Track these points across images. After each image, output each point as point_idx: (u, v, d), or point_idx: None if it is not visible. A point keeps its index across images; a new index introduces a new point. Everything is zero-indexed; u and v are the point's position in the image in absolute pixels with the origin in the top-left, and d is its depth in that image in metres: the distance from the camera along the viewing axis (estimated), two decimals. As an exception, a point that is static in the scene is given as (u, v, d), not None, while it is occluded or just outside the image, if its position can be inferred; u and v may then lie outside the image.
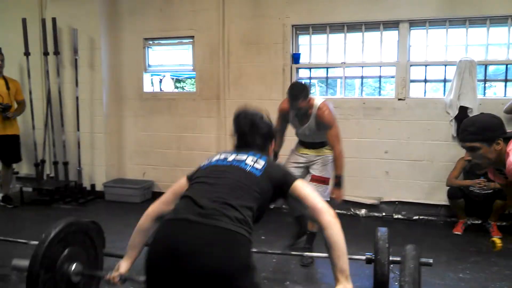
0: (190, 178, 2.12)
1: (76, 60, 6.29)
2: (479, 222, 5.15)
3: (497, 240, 2.71)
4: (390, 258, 3.35)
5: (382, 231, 3.41)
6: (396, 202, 5.62)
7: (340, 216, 5.99)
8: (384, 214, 5.65)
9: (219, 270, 1.63)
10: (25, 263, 2.10)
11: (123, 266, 2.19)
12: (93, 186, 6.55)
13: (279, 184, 1.99)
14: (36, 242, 3.90)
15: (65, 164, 6.45)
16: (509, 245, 4.42)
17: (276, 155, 4.29)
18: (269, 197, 1.97)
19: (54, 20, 6.21)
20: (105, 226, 3.90)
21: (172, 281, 1.70)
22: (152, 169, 6.65)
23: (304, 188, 1.99)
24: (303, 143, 4.33)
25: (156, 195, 6.51)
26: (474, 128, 2.30)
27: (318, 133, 4.12)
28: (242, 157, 2.03)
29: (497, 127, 2.30)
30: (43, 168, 6.56)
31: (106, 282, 2.23)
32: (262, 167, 1.99)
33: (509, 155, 2.23)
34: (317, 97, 4.25)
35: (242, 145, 2.16)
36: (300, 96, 3.91)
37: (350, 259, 3.58)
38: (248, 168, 1.96)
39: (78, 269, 2.23)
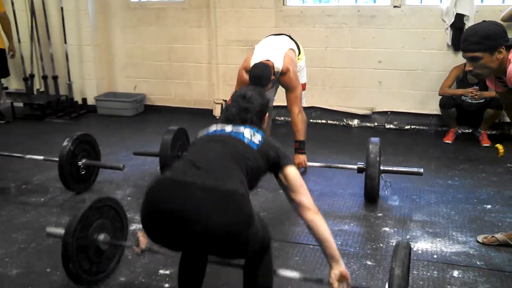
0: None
1: (62, 8, 5.99)
2: (470, 131, 5.23)
3: (500, 146, 2.74)
4: (381, 168, 3.46)
5: (374, 142, 3.48)
6: (388, 112, 5.65)
7: (333, 126, 6.14)
8: (376, 124, 5.69)
9: (225, 230, 1.70)
10: (60, 231, 2.31)
11: (143, 241, 2.19)
12: (84, 100, 6.49)
13: (272, 163, 2.03)
14: (31, 156, 3.97)
15: (55, 78, 6.35)
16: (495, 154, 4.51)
17: None
18: (262, 171, 2.02)
19: None
20: (99, 140, 3.97)
21: (176, 240, 1.78)
22: (143, 82, 6.57)
23: (295, 177, 2.02)
24: None
25: (148, 108, 6.52)
26: (476, 38, 2.25)
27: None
28: (240, 129, 2.04)
29: (500, 35, 2.25)
30: (33, 82, 6.46)
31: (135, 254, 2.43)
32: (260, 142, 2.01)
33: (511, 62, 2.20)
34: (277, 54, 3.66)
35: (236, 119, 2.12)
36: (266, 81, 3.44)
37: (343, 168, 3.79)
38: (246, 141, 1.98)
39: (106, 239, 2.44)
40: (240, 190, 1.77)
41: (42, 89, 6.49)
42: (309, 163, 3.79)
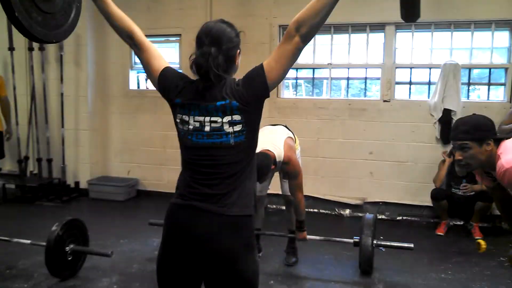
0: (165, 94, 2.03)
1: (61, 56, 6.23)
2: (462, 223, 5.23)
3: (481, 241, 2.75)
4: (374, 241, 3.76)
5: (368, 218, 3.89)
6: (380, 203, 5.67)
7: (325, 216, 6.11)
8: (368, 214, 5.68)
9: (227, 251, 1.83)
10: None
11: None
12: (77, 183, 6.50)
13: (260, 97, 1.88)
14: (18, 240, 3.90)
15: (49, 161, 6.39)
16: (490, 246, 4.48)
17: None
18: (259, 116, 1.91)
19: (39, 15, 6.14)
20: (88, 225, 3.93)
21: (187, 259, 1.87)
22: (137, 167, 6.62)
23: (271, 58, 1.91)
24: None
25: (141, 193, 6.51)
26: (466, 127, 2.32)
27: None
28: (217, 120, 1.83)
29: (489, 128, 2.33)
30: (27, 164, 6.49)
31: None
32: (240, 120, 1.82)
33: (500, 158, 2.25)
34: (276, 144, 3.74)
35: (207, 71, 1.87)
36: (266, 172, 3.54)
37: (340, 241, 4.01)
38: (231, 141, 1.84)
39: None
40: (244, 213, 1.87)
41: (36, 172, 6.50)
42: (309, 236, 3.99)
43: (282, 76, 1.91)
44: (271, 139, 3.77)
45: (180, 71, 2.06)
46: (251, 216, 1.92)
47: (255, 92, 1.86)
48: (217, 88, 1.87)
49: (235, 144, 1.85)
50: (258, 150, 3.64)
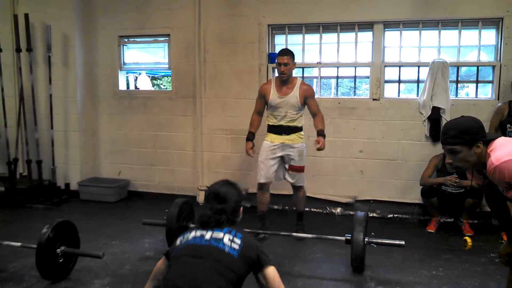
0: (168, 255, 2.36)
1: (49, 57, 6.18)
2: (452, 220, 5.27)
3: (468, 239, 2.77)
4: (365, 239, 3.79)
5: (359, 215, 3.90)
6: (371, 201, 5.70)
7: (316, 214, 6.15)
8: (359, 212, 5.71)
9: None
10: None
11: None
12: (67, 185, 6.46)
13: (253, 265, 2.21)
14: (8, 243, 3.87)
15: (39, 162, 6.35)
16: (480, 243, 4.53)
17: (253, 135, 4.77)
18: (244, 275, 2.19)
19: (26, 16, 6.10)
20: (79, 226, 3.91)
21: None
22: (127, 168, 6.59)
23: (273, 278, 2.22)
24: (278, 129, 4.67)
25: (132, 194, 6.49)
26: (454, 132, 2.34)
27: (295, 110, 4.63)
28: (219, 235, 2.20)
29: (477, 131, 2.35)
30: (16, 167, 6.43)
31: None
32: (239, 247, 2.17)
33: (490, 156, 2.28)
34: None
35: (212, 221, 2.29)
36: (289, 54, 4.61)
37: (332, 239, 4.05)
38: (226, 249, 2.13)
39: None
40: None
41: (26, 174, 6.45)
42: (302, 234, 4.32)
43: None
44: None
45: None
46: None
47: (254, 260, 2.23)
48: (225, 224, 2.30)
49: (229, 252, 2.15)
50: None
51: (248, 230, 4.18)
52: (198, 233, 2.23)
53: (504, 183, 2.25)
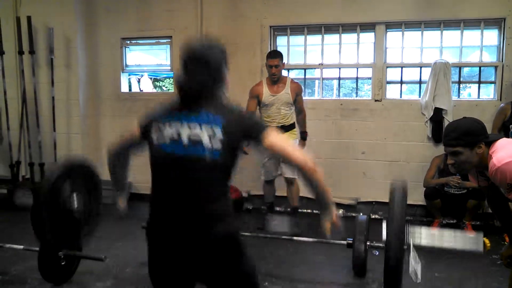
0: (142, 132, 2.04)
1: (52, 59, 6.20)
2: (454, 221, 5.25)
3: (486, 240, 2.77)
4: (367, 243, 3.76)
5: (361, 219, 3.89)
6: (373, 202, 5.68)
7: (318, 216, 6.06)
8: (361, 214, 5.69)
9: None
10: (28, 200, 2.35)
11: (122, 202, 2.44)
12: (69, 187, 6.46)
13: (246, 141, 1.87)
14: (10, 245, 3.88)
15: (41, 165, 6.36)
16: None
17: None
18: (237, 153, 1.88)
19: (29, 18, 6.11)
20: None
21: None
22: (130, 170, 6.58)
23: (281, 144, 1.87)
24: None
25: (134, 196, 6.46)
26: (456, 133, 2.33)
27: (288, 107, 4.93)
28: (196, 131, 1.80)
29: (479, 132, 2.34)
30: (19, 169, 6.45)
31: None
32: (221, 143, 1.78)
33: (492, 157, 2.27)
34: None
35: (189, 100, 1.89)
36: (279, 56, 4.91)
37: (333, 243, 3.96)
38: (207, 154, 1.77)
39: (79, 206, 2.44)
40: (229, 232, 1.86)
41: (28, 176, 6.47)
42: (302, 238, 4.23)
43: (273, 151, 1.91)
44: None
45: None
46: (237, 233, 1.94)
47: (246, 129, 1.86)
48: (204, 103, 1.86)
49: (211, 159, 1.80)
50: None
51: (246, 233, 4.19)
52: (173, 130, 1.83)
53: (506, 184, 2.25)
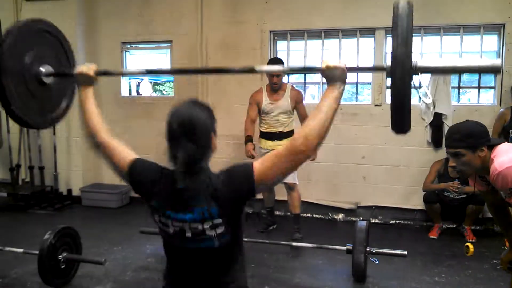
0: (131, 167, 1.85)
1: (52, 63, 6.20)
2: (454, 226, 5.25)
3: (470, 245, 2.77)
4: (367, 249, 3.74)
5: (361, 225, 3.82)
6: (373, 207, 5.69)
7: (318, 220, 6.10)
8: (361, 218, 5.70)
9: None
10: None
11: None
12: (69, 191, 6.47)
13: (241, 201, 1.72)
14: (10, 249, 3.88)
15: (41, 168, 6.36)
16: (482, 249, 4.52)
17: (251, 138, 4.91)
18: (239, 221, 1.77)
19: (30, 23, 6.12)
20: (81, 232, 3.91)
21: None
22: (129, 174, 6.58)
23: (264, 167, 1.68)
24: (270, 135, 4.93)
25: (134, 200, 6.48)
26: (459, 135, 2.33)
27: (286, 115, 4.89)
28: (197, 225, 1.68)
29: (482, 135, 2.34)
30: (19, 172, 6.45)
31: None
32: (221, 224, 1.68)
33: (493, 161, 2.27)
34: None
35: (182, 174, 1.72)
36: (281, 63, 4.83)
37: (333, 249, 4.01)
38: (215, 244, 1.70)
39: (48, 70, 2.12)
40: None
41: (28, 179, 6.46)
42: (302, 244, 4.28)
43: (277, 181, 1.72)
44: None
45: (153, 162, 1.88)
46: None
47: (239, 195, 1.69)
48: (195, 188, 1.68)
49: (220, 246, 1.71)
50: None
51: (246, 239, 4.19)
52: (173, 221, 1.71)
53: (507, 189, 2.25)
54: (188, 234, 1.71)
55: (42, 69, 2.08)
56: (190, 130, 1.69)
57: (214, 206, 1.66)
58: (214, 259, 1.76)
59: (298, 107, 4.93)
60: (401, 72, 1.64)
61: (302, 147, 1.64)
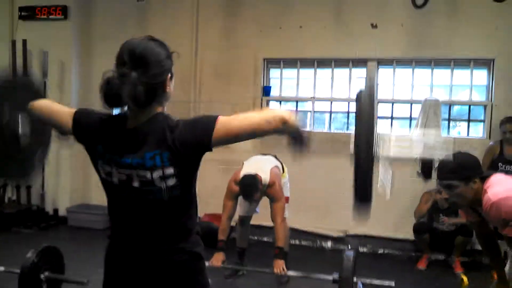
0: (78, 135, 1.73)
1: (45, 82, 6.20)
2: (443, 258, 5.22)
3: (464, 277, 2.76)
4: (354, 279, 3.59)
5: (349, 254, 3.66)
6: (362, 236, 5.65)
7: (306, 248, 6.02)
8: (350, 247, 5.66)
9: None
10: None
11: None
12: (56, 210, 6.39)
13: (199, 149, 1.59)
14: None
15: (28, 187, 6.28)
16: (470, 282, 4.47)
17: (226, 245, 4.14)
18: (193, 178, 1.67)
19: (24, 42, 6.14)
20: (66, 252, 3.83)
21: None
22: (118, 196, 6.52)
23: (231, 124, 1.60)
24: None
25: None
26: (452, 166, 2.33)
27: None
28: (146, 175, 1.56)
29: (475, 166, 2.34)
30: (5, 191, 6.36)
31: None
32: (173, 173, 1.56)
33: (487, 192, 2.26)
34: (264, 170, 4.14)
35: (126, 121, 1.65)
36: (254, 192, 3.99)
37: (318, 279, 3.81)
38: (164, 196, 1.58)
39: (26, 129, 2.03)
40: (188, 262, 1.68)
41: (14, 198, 6.38)
42: (285, 272, 3.90)
43: (231, 140, 1.62)
44: (258, 166, 4.14)
45: (98, 110, 1.74)
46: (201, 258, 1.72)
47: (195, 141, 1.56)
48: (148, 129, 1.57)
49: (169, 199, 1.59)
50: (247, 173, 3.83)
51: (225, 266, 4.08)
52: (120, 173, 1.59)
53: (501, 220, 2.24)
54: (135, 184, 1.57)
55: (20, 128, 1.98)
56: (141, 62, 1.55)
57: (166, 151, 1.53)
58: (163, 216, 1.62)
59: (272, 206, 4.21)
60: (364, 158, 1.75)
61: (278, 124, 1.61)
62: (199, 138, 1.56)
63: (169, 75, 1.67)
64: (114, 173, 1.60)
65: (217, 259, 3.90)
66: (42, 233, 5.87)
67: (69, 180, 6.40)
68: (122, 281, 1.73)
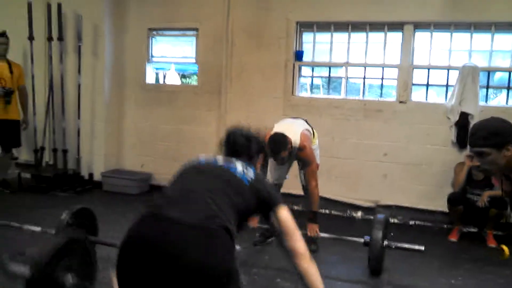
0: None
1: (79, 47, 6.27)
2: (475, 230, 5.12)
3: (505, 248, 2.68)
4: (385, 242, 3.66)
5: (380, 218, 3.81)
6: (393, 206, 5.58)
7: (336, 218, 6.03)
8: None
9: (203, 272, 1.62)
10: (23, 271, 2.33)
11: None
12: (91, 175, 6.55)
13: (263, 202, 1.99)
14: (29, 227, 3.93)
15: (64, 151, 6.45)
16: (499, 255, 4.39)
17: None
18: (251, 211, 1.99)
19: (59, 5, 6.19)
20: (100, 216, 3.93)
21: (151, 280, 1.65)
22: (150, 161, 6.64)
23: (288, 220, 1.99)
24: None
25: (154, 188, 6.50)
26: (484, 133, 2.22)
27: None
28: (232, 160, 2.04)
29: (508, 133, 2.23)
30: (42, 155, 6.55)
31: None
32: (251, 179, 1.97)
33: None
34: (294, 131, 4.06)
35: (230, 154, 2.18)
36: (282, 149, 3.86)
37: (350, 240, 3.95)
38: (238, 174, 1.95)
39: (74, 281, 2.39)
40: (228, 231, 1.72)
41: (51, 162, 6.56)
42: (318, 234, 4.09)
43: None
44: (289, 128, 4.08)
45: None
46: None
47: (261, 199, 1.99)
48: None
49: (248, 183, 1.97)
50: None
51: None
52: (211, 158, 2.08)
53: None
54: (220, 161, 2.05)
55: (69, 281, 2.39)
56: (247, 140, 2.23)
57: (252, 170, 2.06)
58: (227, 185, 1.91)
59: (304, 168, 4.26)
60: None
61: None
62: (268, 199, 2.03)
63: (260, 156, 2.40)
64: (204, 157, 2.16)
65: (253, 220, 3.95)
66: (77, 197, 6.04)
67: (104, 145, 6.53)
68: (148, 239, 1.71)
